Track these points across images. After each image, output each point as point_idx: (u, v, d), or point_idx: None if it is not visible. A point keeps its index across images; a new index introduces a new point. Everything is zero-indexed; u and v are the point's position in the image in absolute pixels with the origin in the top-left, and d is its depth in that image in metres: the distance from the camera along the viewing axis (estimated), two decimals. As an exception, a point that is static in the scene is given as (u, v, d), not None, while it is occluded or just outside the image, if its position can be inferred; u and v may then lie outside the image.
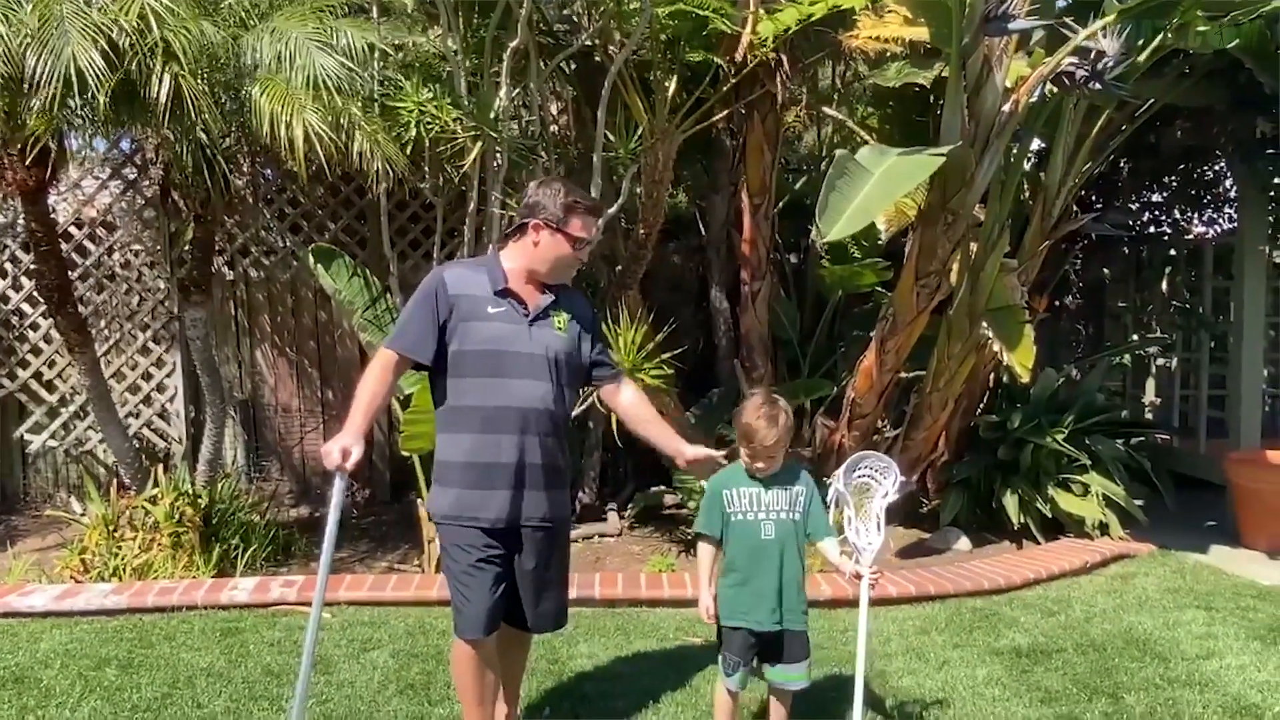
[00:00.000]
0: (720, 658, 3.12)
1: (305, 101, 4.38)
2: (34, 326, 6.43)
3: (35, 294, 6.00)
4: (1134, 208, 7.47)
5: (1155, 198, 7.49)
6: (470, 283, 2.96)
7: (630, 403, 3.22)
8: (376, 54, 4.91)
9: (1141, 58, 4.86)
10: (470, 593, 2.89)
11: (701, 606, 3.10)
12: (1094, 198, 7.27)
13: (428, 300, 2.94)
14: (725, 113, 5.63)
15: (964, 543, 5.69)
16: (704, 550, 3.13)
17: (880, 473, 3.05)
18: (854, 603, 3.01)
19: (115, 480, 5.62)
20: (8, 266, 6.41)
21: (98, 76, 4.06)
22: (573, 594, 4.53)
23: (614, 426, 5.23)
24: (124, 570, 4.86)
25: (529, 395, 2.90)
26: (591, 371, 3.14)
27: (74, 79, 4.04)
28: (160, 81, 4.23)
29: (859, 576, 2.98)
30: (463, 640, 2.92)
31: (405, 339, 2.95)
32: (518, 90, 5.57)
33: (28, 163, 4.80)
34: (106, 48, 4.11)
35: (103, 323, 6.46)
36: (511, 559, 2.96)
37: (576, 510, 6.09)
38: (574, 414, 5.39)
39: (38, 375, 6.44)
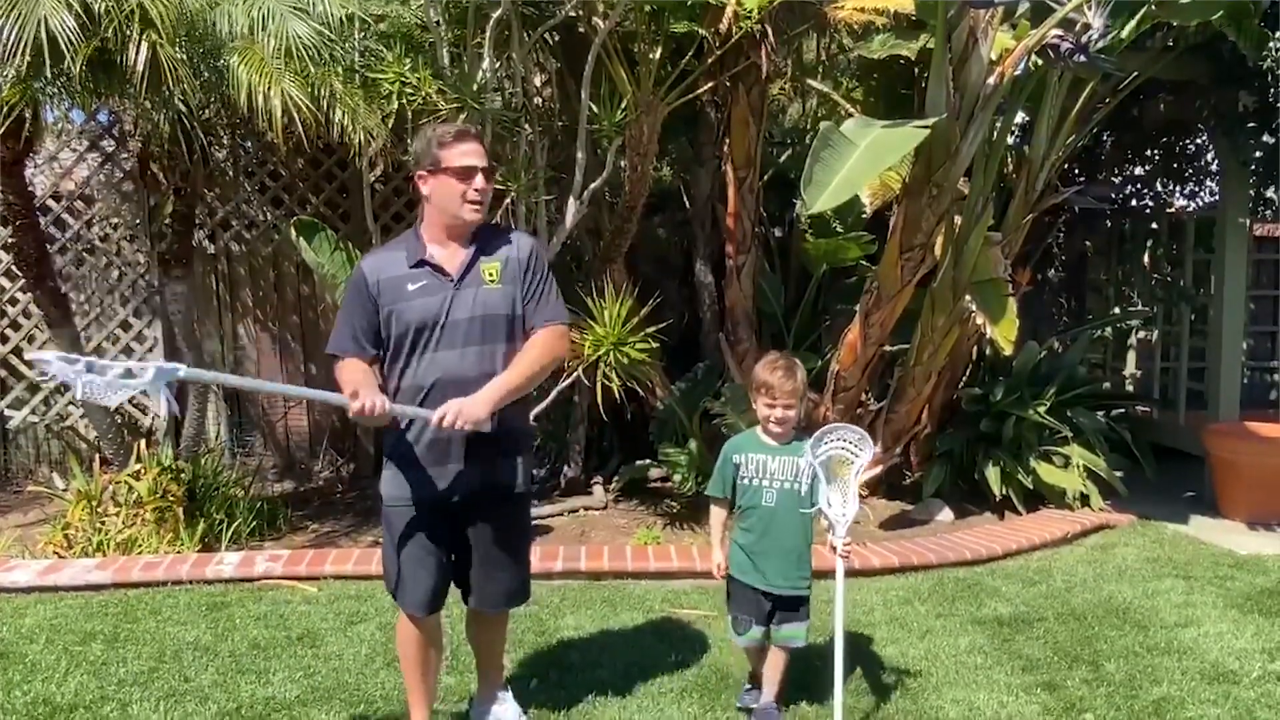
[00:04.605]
0: (730, 620, 3.24)
1: (281, 70, 4.32)
2: (13, 301, 6.36)
3: (13, 268, 5.94)
4: (1116, 181, 7.46)
5: (1138, 171, 7.48)
6: (388, 265, 2.83)
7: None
8: (357, 23, 4.85)
9: (1125, 31, 4.85)
10: (408, 570, 2.84)
11: (713, 563, 3.27)
12: (1077, 171, 7.28)
13: (353, 297, 2.83)
14: (710, 85, 5.59)
15: (946, 514, 5.74)
16: (714, 512, 3.32)
17: (855, 445, 3.07)
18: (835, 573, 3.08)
19: (97, 455, 5.58)
20: (-16, 240, 6.34)
21: (70, 41, 3.99)
22: (559, 566, 4.59)
23: (599, 399, 5.25)
24: (108, 545, 4.84)
25: (466, 364, 2.76)
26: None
27: (45, 43, 3.96)
28: (137, 50, 4.16)
29: (834, 549, 3.03)
30: (405, 615, 2.91)
31: (333, 340, 2.86)
32: (500, 62, 5.51)
33: (2, 134, 4.73)
34: (80, 12, 4.04)
35: (82, 297, 6.41)
36: (458, 535, 2.90)
37: (561, 484, 6.10)
38: (559, 387, 5.45)
39: (17, 350, 6.38)
